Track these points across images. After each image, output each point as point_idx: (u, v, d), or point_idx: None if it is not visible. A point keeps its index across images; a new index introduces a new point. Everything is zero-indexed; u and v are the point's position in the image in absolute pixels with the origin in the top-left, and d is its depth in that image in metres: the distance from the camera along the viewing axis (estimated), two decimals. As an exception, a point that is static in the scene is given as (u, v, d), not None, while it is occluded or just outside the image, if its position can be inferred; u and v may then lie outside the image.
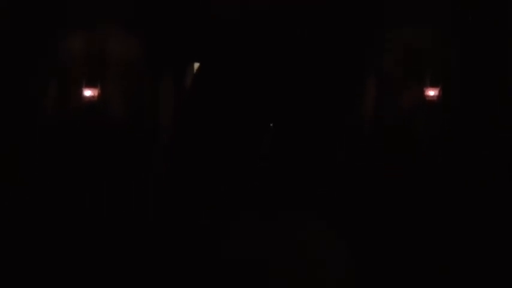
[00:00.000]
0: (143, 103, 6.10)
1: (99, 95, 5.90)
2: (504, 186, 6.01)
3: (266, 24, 6.44)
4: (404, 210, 5.97)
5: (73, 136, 5.96)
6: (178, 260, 5.89)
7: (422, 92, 6.12)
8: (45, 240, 5.82)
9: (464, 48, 6.16)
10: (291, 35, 6.49)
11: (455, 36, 6.12)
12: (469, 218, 5.94)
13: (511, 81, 6.11)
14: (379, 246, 5.93)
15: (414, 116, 6.14)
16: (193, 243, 5.94)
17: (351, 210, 6.10)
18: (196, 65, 6.70)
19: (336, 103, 6.43)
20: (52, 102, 5.97)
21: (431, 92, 6.06)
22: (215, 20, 6.39)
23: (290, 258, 5.88)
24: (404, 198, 6.01)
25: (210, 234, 5.99)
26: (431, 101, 6.10)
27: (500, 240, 5.91)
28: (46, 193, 5.87)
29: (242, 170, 6.49)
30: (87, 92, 5.86)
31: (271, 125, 6.52)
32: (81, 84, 5.91)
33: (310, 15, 6.46)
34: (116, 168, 5.95)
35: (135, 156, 6.02)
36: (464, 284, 5.75)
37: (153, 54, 6.13)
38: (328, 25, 6.46)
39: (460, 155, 6.07)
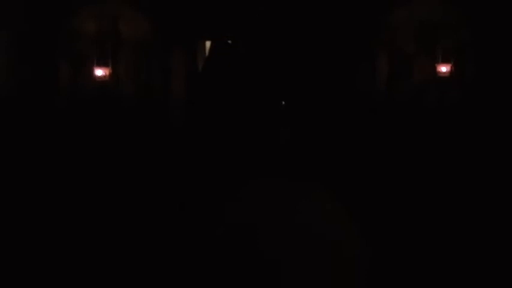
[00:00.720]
0: (156, 79, 6.15)
1: (113, 72, 5.95)
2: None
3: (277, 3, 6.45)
4: (412, 186, 6.00)
5: (89, 111, 6.02)
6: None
7: (435, 67, 6.11)
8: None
9: (476, 24, 6.14)
10: (303, 12, 6.50)
11: (467, 12, 6.12)
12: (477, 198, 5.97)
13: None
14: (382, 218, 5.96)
15: (427, 91, 6.15)
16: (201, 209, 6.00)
17: (358, 183, 6.14)
18: (208, 43, 6.76)
19: (348, 79, 6.44)
20: (67, 80, 6.03)
21: (444, 68, 6.05)
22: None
23: (294, 225, 5.92)
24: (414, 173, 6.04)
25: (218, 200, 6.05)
26: (443, 77, 6.10)
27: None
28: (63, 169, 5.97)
29: (255, 144, 6.53)
30: (99, 71, 5.89)
31: (283, 102, 6.54)
32: (94, 62, 5.95)
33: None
34: (130, 144, 6.01)
35: (148, 131, 6.07)
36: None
37: (165, 32, 6.16)
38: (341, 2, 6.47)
39: (471, 132, 6.08)
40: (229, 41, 6.63)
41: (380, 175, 6.07)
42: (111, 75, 5.92)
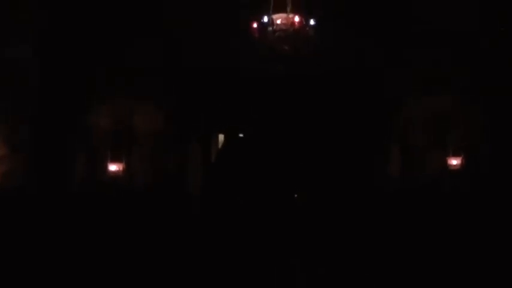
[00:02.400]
0: (172, 172, 6.23)
1: (126, 166, 6.05)
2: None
3: (288, 99, 6.54)
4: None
5: (102, 205, 6.10)
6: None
7: (446, 160, 6.16)
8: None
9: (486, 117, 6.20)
10: (313, 106, 6.58)
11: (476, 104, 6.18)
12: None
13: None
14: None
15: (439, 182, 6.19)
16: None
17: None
18: (221, 137, 6.85)
19: (360, 173, 6.49)
20: (81, 174, 6.13)
21: (454, 161, 6.10)
22: (238, 95, 6.51)
23: None
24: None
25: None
26: (455, 170, 6.14)
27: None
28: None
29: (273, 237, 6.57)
30: (113, 166, 5.99)
31: (295, 195, 6.59)
32: (108, 156, 6.06)
33: (333, 85, 6.55)
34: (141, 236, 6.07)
35: (164, 225, 6.13)
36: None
37: (181, 127, 6.27)
38: (352, 98, 6.55)
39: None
40: (241, 135, 6.72)
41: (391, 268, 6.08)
42: (125, 169, 6.02)
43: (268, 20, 5.75)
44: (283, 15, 5.83)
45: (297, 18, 5.81)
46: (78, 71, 6.23)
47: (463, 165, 6.12)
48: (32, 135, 6.16)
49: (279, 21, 5.78)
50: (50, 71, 6.23)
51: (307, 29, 5.93)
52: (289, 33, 5.84)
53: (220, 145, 6.90)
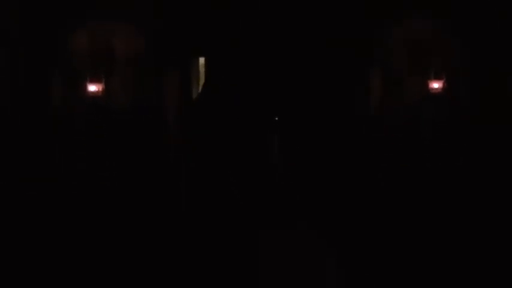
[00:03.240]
0: (149, 97, 6.13)
1: (105, 90, 5.96)
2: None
3: (270, 17, 6.48)
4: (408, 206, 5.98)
5: (80, 129, 6.01)
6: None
7: (428, 85, 6.12)
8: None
9: (468, 41, 6.16)
10: (295, 29, 6.53)
11: (459, 29, 6.14)
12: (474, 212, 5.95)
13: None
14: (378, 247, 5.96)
15: (420, 110, 6.15)
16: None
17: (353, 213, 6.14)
18: (202, 60, 6.77)
19: (341, 97, 6.45)
20: (59, 98, 6.04)
21: (436, 85, 6.06)
22: (220, 15, 6.43)
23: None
24: (409, 193, 6.03)
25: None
26: (436, 94, 6.11)
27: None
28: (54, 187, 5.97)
29: (249, 168, 6.51)
30: (93, 87, 5.90)
31: (276, 118, 6.55)
32: (87, 79, 5.96)
33: (314, 9, 6.49)
34: (122, 162, 6.00)
35: (141, 149, 6.06)
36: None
37: (159, 49, 6.16)
38: (333, 20, 6.50)
39: (465, 148, 6.07)
40: (221, 59, 6.66)
41: (373, 198, 6.07)
42: (104, 90, 5.92)
43: None
44: None
45: None
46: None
47: (444, 89, 6.09)
48: (10, 58, 6.09)
49: None
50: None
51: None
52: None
53: (200, 69, 6.82)
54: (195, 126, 6.40)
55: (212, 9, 6.48)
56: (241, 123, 6.53)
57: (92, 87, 5.83)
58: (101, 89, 5.86)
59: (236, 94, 6.54)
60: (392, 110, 6.20)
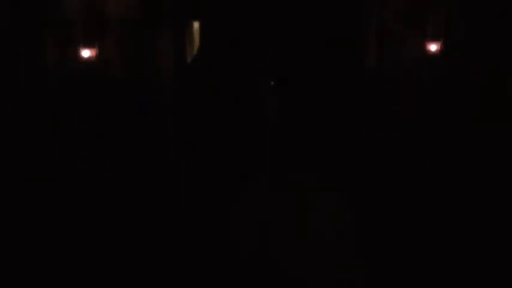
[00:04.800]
0: (142, 59, 6.07)
1: (99, 52, 5.91)
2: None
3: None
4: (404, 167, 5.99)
5: (75, 91, 5.98)
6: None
7: (424, 45, 6.07)
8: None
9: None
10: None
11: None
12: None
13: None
14: (380, 208, 5.97)
15: (416, 68, 6.11)
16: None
17: (354, 171, 6.13)
18: (196, 24, 6.69)
19: (337, 58, 6.41)
20: (53, 60, 5.99)
21: (433, 46, 6.01)
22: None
23: (295, 223, 5.99)
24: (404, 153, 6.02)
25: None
26: (432, 54, 6.06)
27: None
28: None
29: (247, 129, 6.49)
30: (86, 51, 5.85)
31: (272, 83, 6.52)
32: (81, 41, 5.91)
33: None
34: (117, 123, 5.98)
35: (134, 110, 6.02)
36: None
37: (152, 12, 6.08)
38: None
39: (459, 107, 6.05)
40: (218, 22, 6.59)
41: (373, 157, 6.06)
42: (98, 55, 5.87)
43: None
44: None
45: None
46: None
47: (441, 50, 6.03)
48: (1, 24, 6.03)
49: None
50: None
51: None
52: None
53: (195, 32, 6.74)
54: (190, 90, 6.36)
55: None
56: (237, 87, 6.49)
57: (86, 53, 5.79)
58: (94, 54, 5.82)
59: (232, 58, 6.49)
60: (389, 65, 6.17)
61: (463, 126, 6.02)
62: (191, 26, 6.66)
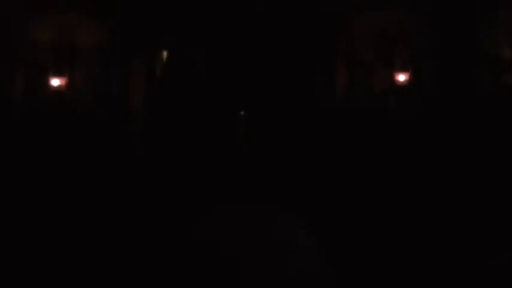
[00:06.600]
0: (113, 88, 6.08)
1: (68, 83, 5.90)
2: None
3: (235, 11, 6.43)
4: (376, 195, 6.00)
5: (44, 122, 5.95)
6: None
7: (393, 76, 6.12)
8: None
9: (434, 34, 6.17)
10: (258, 24, 6.50)
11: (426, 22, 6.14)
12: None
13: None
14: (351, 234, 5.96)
15: (386, 101, 6.15)
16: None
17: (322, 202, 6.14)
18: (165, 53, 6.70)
19: (306, 88, 6.43)
20: (21, 91, 5.96)
21: (402, 77, 6.07)
22: (185, 8, 6.37)
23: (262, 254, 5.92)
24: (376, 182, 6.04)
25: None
26: (402, 86, 6.11)
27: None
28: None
29: (216, 158, 6.48)
30: (56, 81, 5.84)
31: (242, 112, 6.51)
32: (50, 73, 5.90)
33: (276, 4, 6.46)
34: (87, 153, 5.95)
35: (107, 139, 6.00)
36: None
37: (123, 41, 6.10)
38: (298, 13, 6.47)
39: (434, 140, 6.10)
40: (186, 51, 6.60)
41: (339, 187, 6.07)
42: (68, 85, 5.86)
43: None
44: None
45: None
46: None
47: (410, 82, 6.10)
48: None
49: None
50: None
51: None
52: None
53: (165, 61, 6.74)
54: (162, 117, 6.35)
55: (177, 3, 6.41)
56: (207, 118, 6.50)
57: (55, 82, 5.77)
58: (64, 83, 5.80)
59: (202, 89, 6.50)
60: (358, 100, 6.21)
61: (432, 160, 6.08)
62: (162, 54, 6.67)
